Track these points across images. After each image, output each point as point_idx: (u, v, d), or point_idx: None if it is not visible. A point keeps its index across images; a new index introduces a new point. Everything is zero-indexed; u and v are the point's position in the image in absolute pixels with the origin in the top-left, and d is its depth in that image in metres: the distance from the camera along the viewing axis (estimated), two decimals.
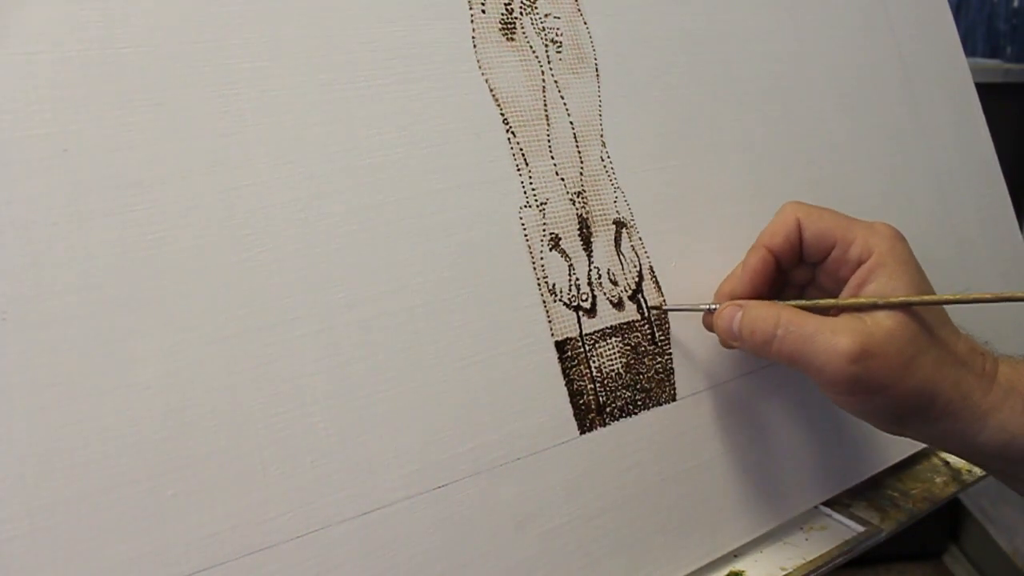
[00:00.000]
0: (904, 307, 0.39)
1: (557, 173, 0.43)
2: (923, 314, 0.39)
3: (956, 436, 0.40)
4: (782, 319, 0.39)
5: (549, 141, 0.44)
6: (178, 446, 0.32)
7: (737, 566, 0.45)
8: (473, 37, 0.42)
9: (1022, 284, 0.65)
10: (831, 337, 0.38)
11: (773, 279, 0.43)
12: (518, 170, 0.42)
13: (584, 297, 0.43)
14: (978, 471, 0.53)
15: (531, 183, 0.42)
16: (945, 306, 0.41)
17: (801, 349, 0.38)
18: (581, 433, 0.41)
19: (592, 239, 0.44)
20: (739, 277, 0.43)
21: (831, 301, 0.41)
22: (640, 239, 0.45)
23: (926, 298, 0.39)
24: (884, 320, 0.38)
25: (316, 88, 0.38)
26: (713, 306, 0.43)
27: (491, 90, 0.42)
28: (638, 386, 0.43)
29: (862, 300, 0.39)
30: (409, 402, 0.37)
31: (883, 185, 0.57)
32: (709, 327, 0.44)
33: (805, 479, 0.49)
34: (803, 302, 0.42)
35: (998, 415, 0.38)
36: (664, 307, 0.45)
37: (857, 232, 0.41)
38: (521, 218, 0.42)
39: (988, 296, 0.39)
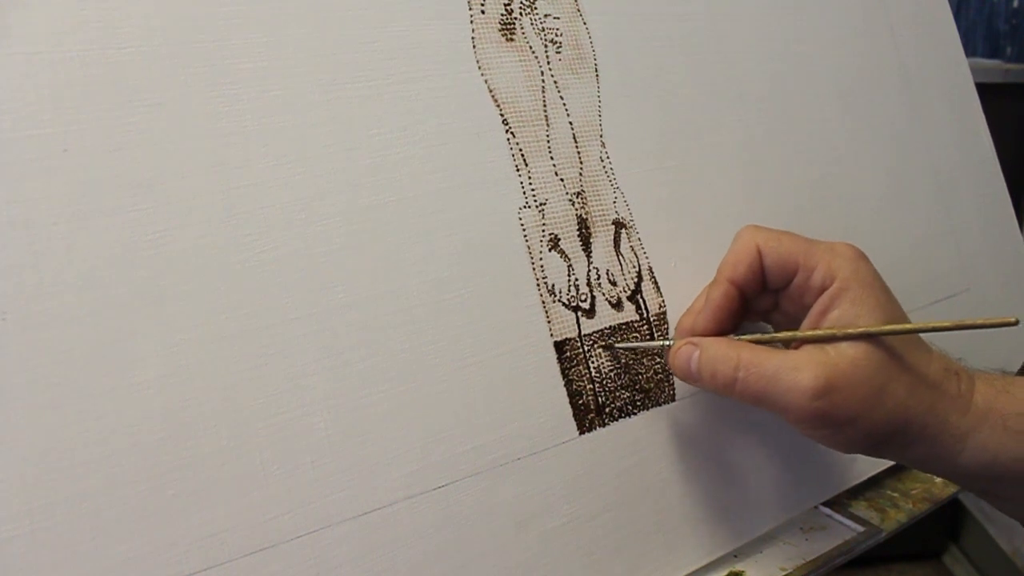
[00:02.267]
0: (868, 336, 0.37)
1: (556, 173, 0.43)
2: (891, 340, 0.38)
3: (935, 459, 0.39)
4: (742, 360, 0.38)
5: (548, 141, 0.44)
6: (178, 446, 0.32)
7: (737, 566, 0.45)
8: (473, 37, 0.42)
9: (1022, 284, 0.65)
10: (793, 375, 0.36)
11: (737, 312, 0.42)
12: (517, 170, 0.42)
13: (583, 297, 0.43)
14: None
15: (531, 183, 0.42)
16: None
17: (764, 390, 0.37)
18: (580, 433, 0.41)
19: (591, 239, 0.44)
20: (701, 312, 0.41)
21: (789, 334, 0.39)
22: (639, 239, 0.45)
23: (885, 328, 0.37)
24: (848, 350, 0.37)
25: (316, 88, 0.38)
26: (668, 342, 0.42)
27: (491, 90, 0.42)
28: (637, 386, 0.43)
29: (821, 332, 0.38)
30: (409, 402, 0.37)
31: (883, 185, 0.57)
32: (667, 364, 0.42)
33: (805, 479, 0.49)
34: (762, 336, 0.40)
35: (977, 436, 0.38)
36: (616, 344, 0.43)
37: (819, 256, 0.40)
38: (520, 218, 0.42)
39: (947, 324, 0.37)
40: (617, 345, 0.43)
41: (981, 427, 0.38)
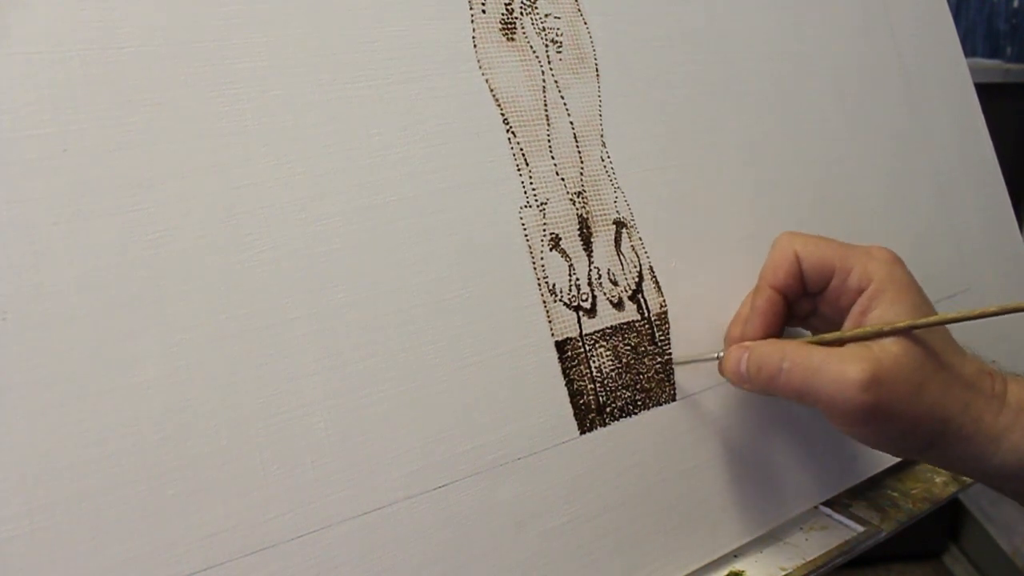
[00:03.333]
0: (909, 332, 0.38)
1: (557, 173, 0.43)
2: (928, 339, 0.39)
3: (970, 460, 0.39)
4: (787, 353, 0.39)
5: (549, 141, 0.44)
6: (178, 446, 0.32)
7: (737, 566, 0.45)
8: (473, 37, 0.42)
9: (1022, 284, 0.65)
10: (839, 366, 0.37)
11: (781, 316, 0.43)
12: (518, 170, 0.42)
13: (584, 297, 0.43)
14: None
15: (531, 183, 0.42)
16: (949, 327, 0.40)
17: (809, 381, 0.38)
18: (581, 433, 0.41)
19: (592, 239, 0.44)
20: (748, 319, 0.43)
21: (835, 334, 0.40)
22: (640, 239, 0.45)
23: (932, 319, 0.38)
24: (891, 347, 0.38)
25: (316, 88, 0.38)
26: (721, 353, 0.43)
27: (491, 90, 0.42)
28: (638, 386, 0.43)
29: (867, 330, 0.39)
30: (409, 402, 0.37)
31: (883, 185, 0.57)
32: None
33: (805, 479, 0.49)
34: (807, 338, 0.42)
35: (1011, 436, 0.38)
36: (673, 362, 0.44)
37: (855, 260, 0.41)
38: (521, 218, 0.42)
39: (992, 309, 0.38)
40: (673, 363, 0.44)
41: (1014, 427, 0.38)
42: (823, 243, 0.42)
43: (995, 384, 0.39)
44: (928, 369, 0.38)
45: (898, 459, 0.53)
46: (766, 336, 0.42)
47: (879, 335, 0.38)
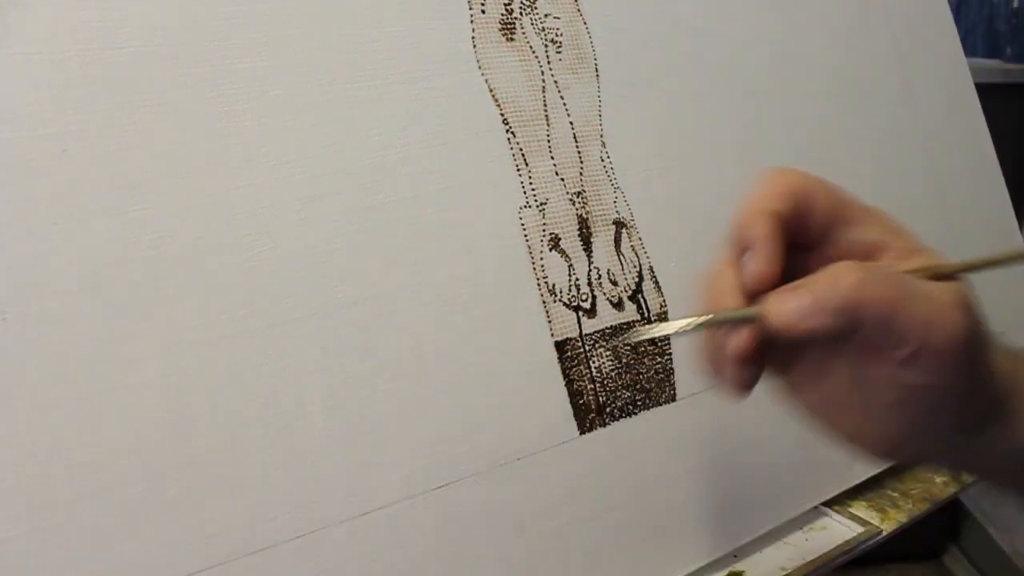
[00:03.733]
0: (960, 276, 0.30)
1: (557, 173, 0.43)
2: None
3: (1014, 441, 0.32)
4: (867, 265, 0.29)
5: (549, 141, 0.44)
6: (178, 446, 0.32)
7: (737, 566, 0.45)
8: (473, 37, 0.42)
9: (1022, 284, 0.65)
10: (928, 285, 0.28)
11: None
12: (518, 170, 0.42)
13: (584, 297, 0.43)
14: None
15: (531, 183, 0.42)
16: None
17: (900, 294, 0.28)
18: (581, 433, 0.41)
19: (592, 239, 0.44)
20: (763, 258, 0.30)
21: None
22: (640, 239, 0.45)
23: (982, 259, 0.30)
24: (957, 285, 0.29)
25: (316, 88, 0.38)
26: (751, 311, 0.30)
27: (491, 90, 0.42)
28: (638, 386, 0.43)
29: (925, 267, 0.30)
30: (409, 402, 0.37)
31: (883, 185, 0.57)
32: (741, 352, 0.30)
33: (805, 479, 0.49)
34: None
35: None
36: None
37: (862, 212, 0.33)
38: (521, 218, 0.42)
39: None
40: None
41: None
42: (827, 185, 0.32)
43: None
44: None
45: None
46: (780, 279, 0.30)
47: (936, 274, 0.30)
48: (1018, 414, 0.31)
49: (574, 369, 0.42)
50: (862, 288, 0.28)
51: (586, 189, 0.44)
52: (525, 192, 0.42)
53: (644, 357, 0.44)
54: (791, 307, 0.29)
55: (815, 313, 0.29)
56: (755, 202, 0.32)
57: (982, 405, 0.31)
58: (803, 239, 0.32)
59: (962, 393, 0.29)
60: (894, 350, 0.28)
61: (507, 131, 0.42)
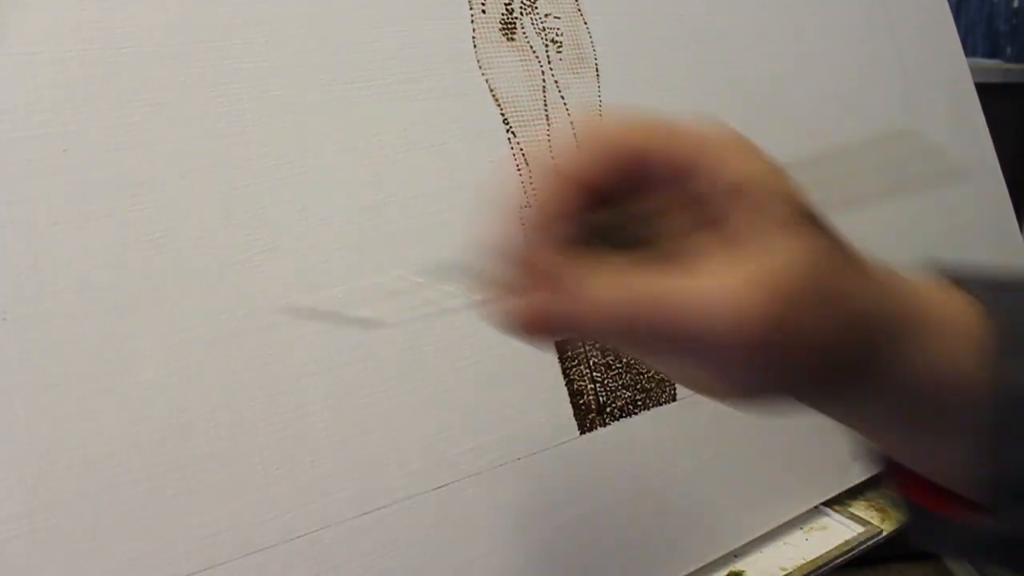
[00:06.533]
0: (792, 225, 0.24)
1: None
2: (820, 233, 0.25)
3: (935, 368, 0.26)
4: (635, 290, 0.24)
5: (549, 141, 0.44)
6: (178, 446, 0.32)
7: (737, 566, 0.45)
8: (473, 37, 0.42)
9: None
10: (706, 281, 0.23)
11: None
12: (518, 170, 0.42)
13: None
14: None
15: (531, 183, 0.42)
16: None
17: (657, 308, 0.23)
18: (581, 433, 0.41)
19: None
20: (538, 222, 0.26)
21: None
22: None
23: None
24: (780, 243, 0.24)
25: (316, 88, 0.38)
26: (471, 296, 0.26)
27: (491, 90, 0.42)
28: (638, 386, 0.43)
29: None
30: (409, 402, 0.37)
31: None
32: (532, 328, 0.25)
33: (805, 479, 0.49)
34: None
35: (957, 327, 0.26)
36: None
37: (708, 150, 0.26)
38: (521, 218, 0.42)
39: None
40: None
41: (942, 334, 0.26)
42: (663, 125, 0.26)
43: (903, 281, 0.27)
44: (837, 260, 0.25)
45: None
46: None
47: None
48: (910, 343, 0.26)
49: (575, 369, 0.42)
50: (597, 313, 0.24)
51: None
52: (525, 192, 0.42)
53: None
54: (516, 316, 0.25)
55: (545, 330, 0.25)
56: (561, 164, 0.26)
57: (840, 358, 0.25)
58: (657, 182, 0.26)
59: (793, 360, 0.24)
60: (680, 355, 0.25)
61: (508, 131, 0.42)
